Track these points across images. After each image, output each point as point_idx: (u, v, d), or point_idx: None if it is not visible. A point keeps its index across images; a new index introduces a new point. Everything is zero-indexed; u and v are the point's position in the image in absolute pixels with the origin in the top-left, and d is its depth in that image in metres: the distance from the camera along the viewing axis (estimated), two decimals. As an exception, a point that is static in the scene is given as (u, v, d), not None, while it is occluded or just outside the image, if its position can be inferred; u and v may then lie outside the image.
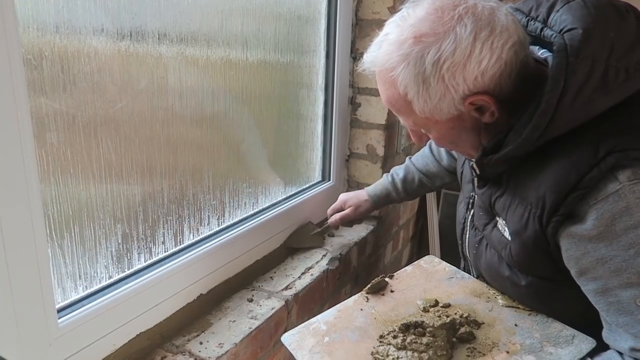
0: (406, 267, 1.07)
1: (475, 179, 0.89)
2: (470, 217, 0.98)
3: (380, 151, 1.53)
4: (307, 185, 1.48)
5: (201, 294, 1.03)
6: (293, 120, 1.36)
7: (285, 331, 1.09)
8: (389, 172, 1.33)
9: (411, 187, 1.27)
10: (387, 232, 1.71)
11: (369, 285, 0.99)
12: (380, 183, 1.30)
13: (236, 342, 0.94)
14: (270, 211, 1.24)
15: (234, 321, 1.00)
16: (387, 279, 1.02)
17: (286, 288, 1.15)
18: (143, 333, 0.89)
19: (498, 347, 0.81)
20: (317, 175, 1.54)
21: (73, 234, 0.78)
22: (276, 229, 1.26)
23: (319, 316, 0.92)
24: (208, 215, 1.08)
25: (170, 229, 0.98)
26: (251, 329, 0.98)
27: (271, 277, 1.19)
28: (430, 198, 1.98)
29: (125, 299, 0.85)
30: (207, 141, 1.03)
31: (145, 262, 0.93)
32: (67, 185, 0.76)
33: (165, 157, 0.92)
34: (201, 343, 0.92)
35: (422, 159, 1.28)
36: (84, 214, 0.79)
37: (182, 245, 1.01)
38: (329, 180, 1.56)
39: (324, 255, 1.33)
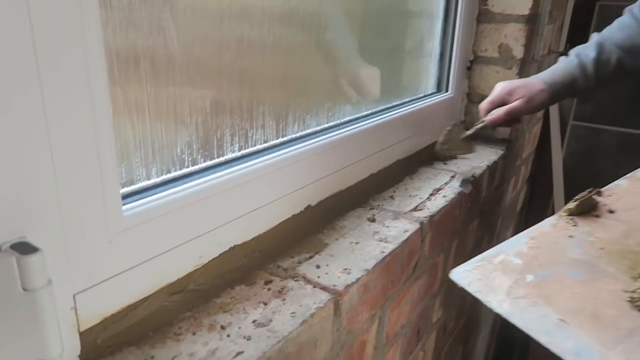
0: (617, 182, 0.74)
1: None
2: None
3: (518, 52, 1.18)
4: (419, 96, 1.16)
5: (309, 206, 0.74)
6: (402, 18, 1.04)
7: (416, 266, 0.79)
8: (563, 54, 0.98)
9: (606, 70, 0.92)
10: (513, 163, 1.36)
11: (573, 204, 0.67)
12: (561, 68, 0.96)
13: (367, 268, 0.65)
14: (379, 117, 0.93)
15: (357, 243, 0.71)
16: (594, 196, 0.69)
17: (415, 209, 0.84)
18: (238, 247, 0.62)
19: None
20: (431, 85, 1.21)
21: (146, 86, 0.51)
22: (389, 139, 0.95)
23: (500, 246, 0.63)
24: (316, 107, 0.79)
25: (272, 112, 0.69)
26: (384, 254, 0.69)
27: (391, 197, 0.89)
28: (555, 130, 1.61)
29: (215, 193, 0.57)
30: (299, 40, 0.73)
31: (239, 150, 0.65)
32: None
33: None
34: (318, 267, 0.64)
35: (620, 31, 0.91)
36: (161, 58, 0.51)
37: (285, 138, 0.72)
38: (446, 91, 1.23)
39: (452, 177, 1.01)
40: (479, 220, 1.15)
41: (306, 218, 0.74)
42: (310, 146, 0.73)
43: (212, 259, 0.58)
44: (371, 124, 0.88)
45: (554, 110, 1.60)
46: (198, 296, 0.56)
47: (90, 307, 0.46)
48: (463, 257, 1.10)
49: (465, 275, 0.58)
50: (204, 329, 0.51)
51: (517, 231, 1.77)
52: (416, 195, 0.91)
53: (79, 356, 0.45)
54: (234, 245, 0.61)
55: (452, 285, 1.08)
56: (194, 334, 0.50)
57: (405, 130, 1.01)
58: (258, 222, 0.65)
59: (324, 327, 0.58)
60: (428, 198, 0.90)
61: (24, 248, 0.37)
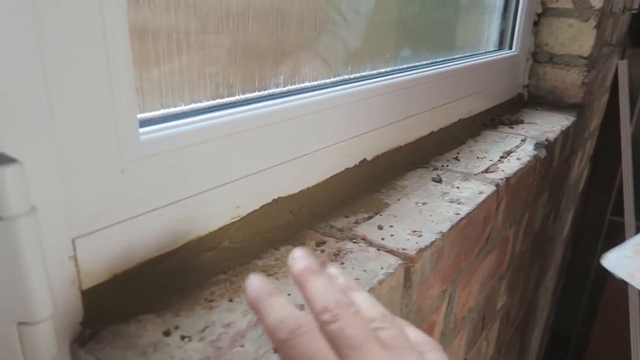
0: None
1: None
2: None
3: (597, 1, 1.02)
4: (480, 52, 1.01)
5: (364, 160, 0.62)
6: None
7: (489, 237, 0.66)
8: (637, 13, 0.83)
9: None
10: (582, 133, 1.21)
11: None
12: None
13: (442, 231, 0.52)
14: (437, 66, 0.80)
15: (425, 203, 0.59)
16: None
17: (486, 171, 0.71)
18: (283, 200, 0.50)
19: None
20: (492, 42, 1.07)
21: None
22: (449, 92, 0.82)
23: None
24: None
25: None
26: (459, 215, 0.56)
27: (456, 158, 0.76)
28: (624, 100, 1.44)
29: (255, 127, 0.45)
30: None
31: (284, 85, 0.53)
32: None
33: None
34: (380, 228, 0.52)
35: None
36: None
37: (338, 78, 0.60)
38: (509, 48, 1.08)
39: (523, 140, 0.87)
40: (548, 194, 1.00)
41: (361, 174, 0.61)
42: (366, 86, 0.60)
43: (252, 212, 0.47)
44: (429, 71, 0.75)
45: (623, 77, 1.43)
46: (235, 256, 0.44)
47: (95, 259, 0.34)
48: (531, 234, 0.95)
49: (620, 262, 0.44)
50: (243, 295, 0.39)
51: (577, 214, 1.60)
52: (484, 157, 0.77)
53: (81, 323, 0.34)
54: (278, 198, 0.49)
55: (519, 266, 0.94)
56: (230, 300, 0.39)
57: (466, 86, 0.87)
58: (306, 173, 0.53)
59: (393, 300, 0.45)
60: (499, 160, 0.76)
61: (-5, 160, 0.26)
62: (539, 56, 1.12)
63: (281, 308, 0.29)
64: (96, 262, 0.34)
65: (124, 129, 0.34)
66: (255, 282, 0.30)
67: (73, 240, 0.33)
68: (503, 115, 1.01)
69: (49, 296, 0.29)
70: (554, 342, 1.85)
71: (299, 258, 0.32)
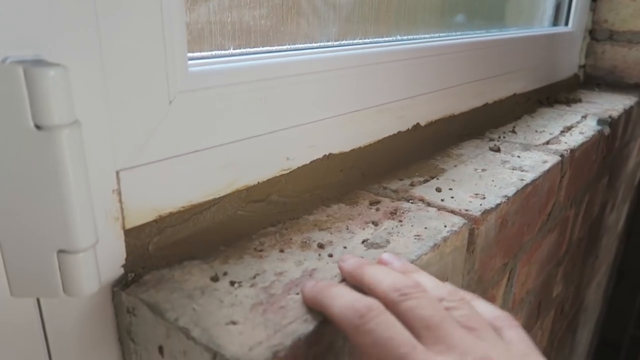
0: None
1: None
2: None
3: (664, -28, 0.95)
4: (534, 29, 0.96)
5: (418, 125, 0.58)
6: None
7: (551, 214, 0.61)
8: None
9: None
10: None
11: None
12: None
13: (507, 194, 0.47)
14: (492, 34, 0.74)
15: (484, 170, 0.54)
16: None
17: (548, 143, 0.66)
18: (334, 157, 0.46)
19: None
20: (548, 17, 1.01)
21: None
22: (503, 62, 0.77)
23: None
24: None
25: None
26: (524, 181, 0.51)
27: (512, 131, 0.71)
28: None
29: (307, 72, 0.42)
30: None
31: (335, 38, 0.49)
32: None
33: None
34: (439, 190, 0.48)
35: None
36: None
37: (389, 38, 0.56)
38: (565, 24, 1.02)
39: (584, 117, 0.81)
40: (608, 179, 0.93)
41: (415, 139, 0.57)
42: (421, 44, 0.56)
43: (302, 166, 0.43)
44: (482, 38, 0.70)
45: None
46: (284, 210, 0.41)
47: (139, 196, 0.32)
48: (589, 221, 0.89)
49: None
50: (294, 247, 0.36)
51: (633, 208, 1.51)
52: (543, 131, 0.72)
53: (123, 266, 0.32)
54: (329, 154, 0.46)
55: (575, 255, 0.88)
56: (281, 251, 0.35)
57: (519, 59, 0.81)
58: (358, 131, 0.49)
59: (455, 263, 0.41)
60: (561, 134, 0.70)
61: (37, 64, 0.24)
62: (597, 34, 1.05)
63: (345, 294, 0.27)
64: (140, 199, 0.32)
65: (174, 55, 0.31)
66: (308, 283, 0.30)
67: (117, 173, 0.30)
68: (559, 93, 0.94)
69: (93, 222, 0.26)
70: (603, 347, 1.74)
71: (347, 257, 0.32)
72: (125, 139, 0.30)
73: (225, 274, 0.32)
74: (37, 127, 0.23)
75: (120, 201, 0.31)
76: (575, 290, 0.99)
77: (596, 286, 1.30)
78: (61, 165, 0.24)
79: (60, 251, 0.26)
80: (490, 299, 0.52)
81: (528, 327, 0.71)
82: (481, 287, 0.48)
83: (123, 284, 0.31)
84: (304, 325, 0.27)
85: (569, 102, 0.91)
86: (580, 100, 0.93)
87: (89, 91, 0.27)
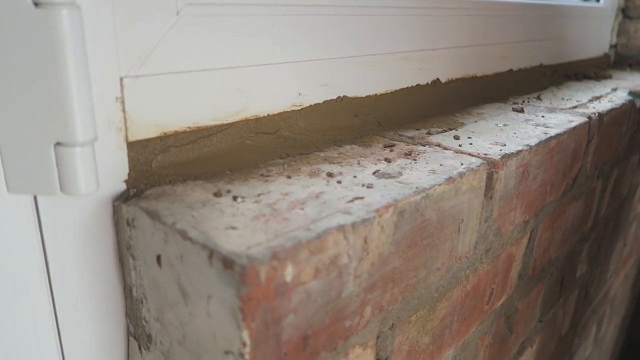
0: None
1: None
2: None
3: (703, -57, 0.91)
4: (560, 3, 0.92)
5: (437, 81, 0.56)
6: None
7: (576, 179, 0.58)
8: None
9: None
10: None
11: None
12: None
13: (529, 144, 0.45)
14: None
15: (506, 125, 0.52)
16: None
17: (575, 107, 0.63)
18: (348, 100, 0.45)
19: None
20: (576, -6, 0.97)
21: None
22: (530, 29, 0.74)
23: None
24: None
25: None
26: (548, 135, 0.49)
27: (538, 98, 0.68)
28: None
29: (320, 4, 0.41)
30: None
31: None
32: None
33: None
34: (457, 138, 0.46)
35: None
36: None
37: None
38: (596, 0, 0.99)
39: (614, 90, 0.77)
40: (638, 158, 0.89)
41: (434, 94, 0.55)
42: (443, -2, 0.54)
43: (315, 105, 0.42)
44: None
45: None
46: (294, 145, 0.40)
47: (143, 109, 0.31)
48: (618, 201, 0.85)
49: None
50: (302, 175, 0.35)
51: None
52: (570, 99, 0.69)
53: (125, 181, 0.31)
54: (343, 97, 0.45)
55: (602, 234, 0.84)
56: (288, 177, 0.34)
57: (546, 27, 0.79)
58: (375, 77, 0.47)
59: (472, 204, 0.39)
60: (589, 101, 0.67)
61: (37, -59, 0.23)
62: (630, 11, 1.01)
63: None
64: (145, 113, 0.31)
65: (181, -37, 0.30)
66: None
67: (121, 79, 0.29)
68: (588, 70, 0.91)
69: (92, 115, 0.25)
70: (629, 349, 1.68)
71: None
72: (130, 45, 0.29)
73: (228, 191, 0.31)
74: (35, 4, 0.23)
75: (123, 110, 0.30)
76: (600, 275, 0.95)
77: (624, 278, 1.25)
78: (59, 47, 0.23)
79: (58, 144, 0.25)
80: (509, 257, 0.50)
81: (550, 303, 0.69)
82: (499, 240, 0.46)
83: (124, 199, 0.30)
84: (306, 233, 0.26)
85: (598, 77, 0.87)
86: (610, 77, 0.89)
87: (92, -16, 0.26)
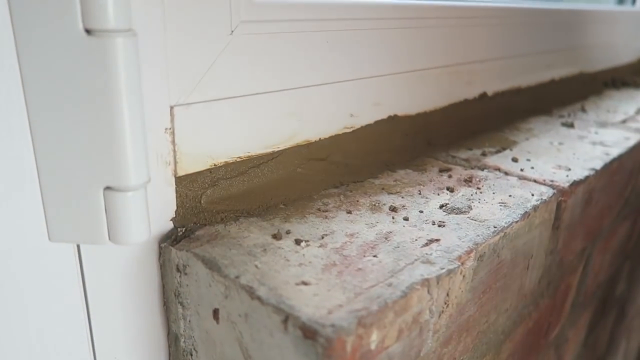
0: None
1: None
2: None
3: None
4: (596, 4, 0.89)
5: (485, 94, 0.53)
6: None
7: (628, 199, 0.55)
8: None
9: None
10: None
11: None
12: None
13: (595, 167, 0.42)
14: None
15: (561, 143, 0.48)
16: None
17: (624, 122, 0.59)
18: (399, 119, 0.42)
19: None
20: (611, -3, 0.94)
21: None
22: (570, 35, 0.70)
23: None
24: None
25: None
26: (609, 156, 0.45)
27: (582, 110, 0.64)
28: None
29: (372, 16, 0.37)
30: None
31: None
32: None
33: None
34: (515, 160, 0.42)
35: None
36: None
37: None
38: (632, 4, 0.95)
39: (658, 99, 0.74)
40: (677, 170, 0.86)
41: (481, 108, 0.52)
42: (489, 4, 0.51)
43: (366, 125, 0.39)
44: (551, 6, 0.64)
45: None
46: (347, 172, 0.37)
47: (194, 139, 0.28)
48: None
49: None
50: (363, 208, 0.31)
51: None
52: (616, 111, 0.65)
53: (173, 219, 0.28)
54: (394, 115, 0.41)
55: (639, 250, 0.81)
56: (349, 212, 0.31)
57: (585, 34, 0.75)
58: (424, 94, 0.44)
59: (542, 240, 0.36)
60: (637, 113, 0.64)
61: (89, -43, 0.20)
62: (666, 15, 0.96)
63: None
64: (195, 143, 0.28)
65: (237, -23, 0.27)
66: None
67: (171, 108, 0.26)
68: (625, 76, 0.87)
69: (146, 155, 0.22)
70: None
71: None
72: (181, 70, 0.26)
73: (288, 232, 0.28)
74: (87, 31, 0.20)
75: (173, 142, 0.27)
76: (636, 291, 0.91)
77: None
78: (113, 81, 0.20)
79: (108, 188, 0.22)
80: (567, 287, 0.46)
81: (592, 325, 0.65)
82: (560, 271, 0.43)
83: (172, 240, 0.27)
84: (389, 290, 0.23)
85: (637, 85, 0.84)
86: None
87: (145, 3, 0.23)
